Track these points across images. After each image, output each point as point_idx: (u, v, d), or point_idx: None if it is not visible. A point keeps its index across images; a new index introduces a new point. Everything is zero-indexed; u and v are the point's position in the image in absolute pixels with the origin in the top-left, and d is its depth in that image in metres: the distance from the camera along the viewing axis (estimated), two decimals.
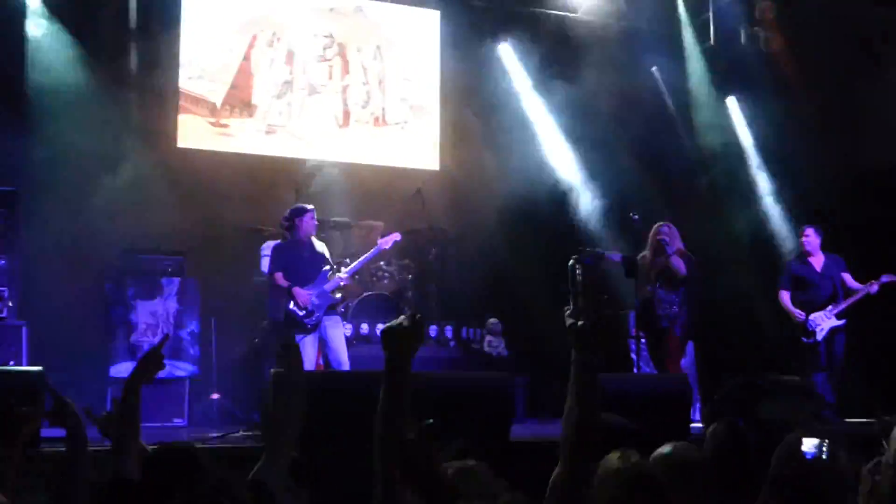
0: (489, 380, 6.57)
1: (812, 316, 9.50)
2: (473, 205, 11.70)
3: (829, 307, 9.50)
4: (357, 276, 9.81)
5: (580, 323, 2.74)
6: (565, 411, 2.78)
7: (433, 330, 10.64)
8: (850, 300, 9.45)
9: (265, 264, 9.40)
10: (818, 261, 9.66)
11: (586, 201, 11.99)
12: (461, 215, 11.69)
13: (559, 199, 12.14)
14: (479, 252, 11.49)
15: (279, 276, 8.61)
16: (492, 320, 10.91)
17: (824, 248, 9.75)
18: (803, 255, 9.76)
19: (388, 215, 10.81)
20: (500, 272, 11.43)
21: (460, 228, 11.51)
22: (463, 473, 2.92)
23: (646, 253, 9.06)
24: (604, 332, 2.72)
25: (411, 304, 10.40)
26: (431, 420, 2.65)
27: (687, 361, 9.72)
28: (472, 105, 12.06)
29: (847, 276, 9.62)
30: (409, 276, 10.82)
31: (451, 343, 10.69)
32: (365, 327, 10.11)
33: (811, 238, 9.65)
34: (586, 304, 2.73)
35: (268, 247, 9.50)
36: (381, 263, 10.58)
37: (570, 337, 2.77)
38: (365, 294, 10.33)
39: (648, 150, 12.06)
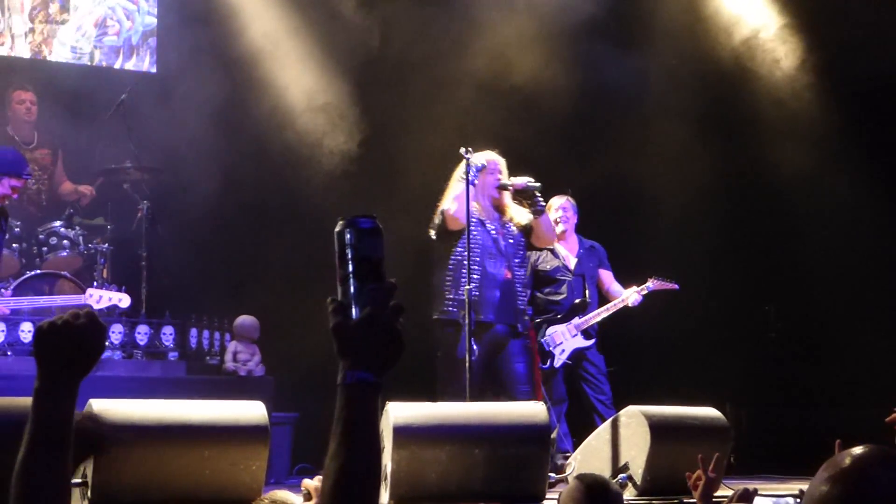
0: (231, 416, 5.31)
1: (550, 331, 7.90)
2: (210, 132, 9.47)
3: (575, 319, 7.91)
4: (19, 247, 8.63)
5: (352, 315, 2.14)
6: (327, 457, 2.12)
7: (145, 333, 8.84)
8: (602, 311, 7.96)
9: None
10: (571, 248, 8.14)
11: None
12: (192, 147, 9.53)
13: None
14: (221, 208, 9.71)
15: None
16: (241, 319, 9.02)
17: (580, 230, 8.22)
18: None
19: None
20: (255, 241, 9.90)
21: (188, 168, 9.56)
22: None
23: None
24: (385, 330, 1.98)
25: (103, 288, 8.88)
26: None
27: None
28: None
29: (607, 275, 8.18)
30: (104, 244, 9.16)
31: (172, 354, 9.05)
32: (28, 327, 8.76)
33: (569, 213, 8.09)
34: (362, 288, 2.05)
35: None
36: (56, 225, 8.99)
37: (333, 337, 2.14)
38: (29, 274, 8.66)
39: None
